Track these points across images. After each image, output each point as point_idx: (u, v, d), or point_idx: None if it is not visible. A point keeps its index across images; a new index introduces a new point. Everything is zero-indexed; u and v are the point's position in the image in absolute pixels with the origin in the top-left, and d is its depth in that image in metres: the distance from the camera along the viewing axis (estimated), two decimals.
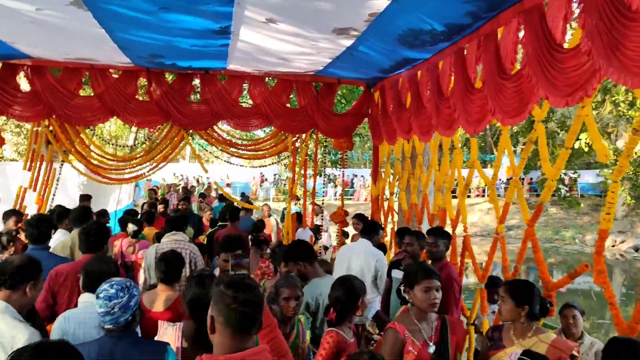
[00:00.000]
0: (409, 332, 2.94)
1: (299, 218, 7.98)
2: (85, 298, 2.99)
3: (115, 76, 6.43)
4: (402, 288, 3.17)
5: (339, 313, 3.00)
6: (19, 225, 5.48)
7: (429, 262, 4.85)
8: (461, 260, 4.78)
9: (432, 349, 2.93)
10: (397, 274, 4.70)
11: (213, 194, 19.24)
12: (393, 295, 4.74)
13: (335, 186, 9.92)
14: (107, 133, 21.06)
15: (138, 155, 7.29)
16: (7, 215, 5.70)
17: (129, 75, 6.39)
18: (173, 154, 7.36)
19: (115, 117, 6.52)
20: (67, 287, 3.54)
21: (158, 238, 5.66)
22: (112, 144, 10.46)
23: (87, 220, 4.80)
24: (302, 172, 7.50)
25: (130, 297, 2.51)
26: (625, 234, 22.98)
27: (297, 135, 7.37)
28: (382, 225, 6.17)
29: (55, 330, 2.81)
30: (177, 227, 5.06)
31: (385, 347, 2.94)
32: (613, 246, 22.28)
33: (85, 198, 8.70)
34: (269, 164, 13.30)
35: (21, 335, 2.47)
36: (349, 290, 3.03)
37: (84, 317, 2.85)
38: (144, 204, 11.43)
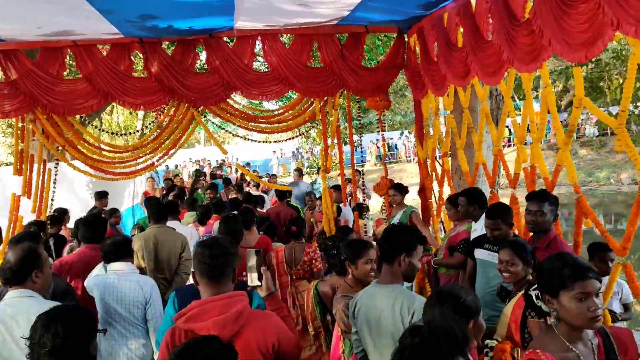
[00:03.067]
0: None
1: (337, 191, 7.01)
2: (110, 267, 3.58)
3: (104, 53, 5.42)
4: (533, 294, 2.17)
5: None
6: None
7: (525, 236, 3.83)
8: (576, 229, 3.65)
9: None
10: (482, 254, 3.68)
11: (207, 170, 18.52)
12: (478, 284, 3.74)
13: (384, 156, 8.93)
14: (116, 125, 20.16)
15: (143, 144, 6.29)
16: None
17: (119, 49, 5.38)
18: (184, 138, 6.36)
19: (110, 101, 5.54)
20: (72, 273, 4.00)
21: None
22: (122, 135, 9.44)
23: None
24: (335, 141, 6.44)
25: None
26: None
27: (325, 100, 6.31)
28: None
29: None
30: (249, 203, 6.65)
31: None
32: None
33: (102, 195, 7.86)
34: (286, 139, 12.15)
35: None
36: (452, 311, 2.00)
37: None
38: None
